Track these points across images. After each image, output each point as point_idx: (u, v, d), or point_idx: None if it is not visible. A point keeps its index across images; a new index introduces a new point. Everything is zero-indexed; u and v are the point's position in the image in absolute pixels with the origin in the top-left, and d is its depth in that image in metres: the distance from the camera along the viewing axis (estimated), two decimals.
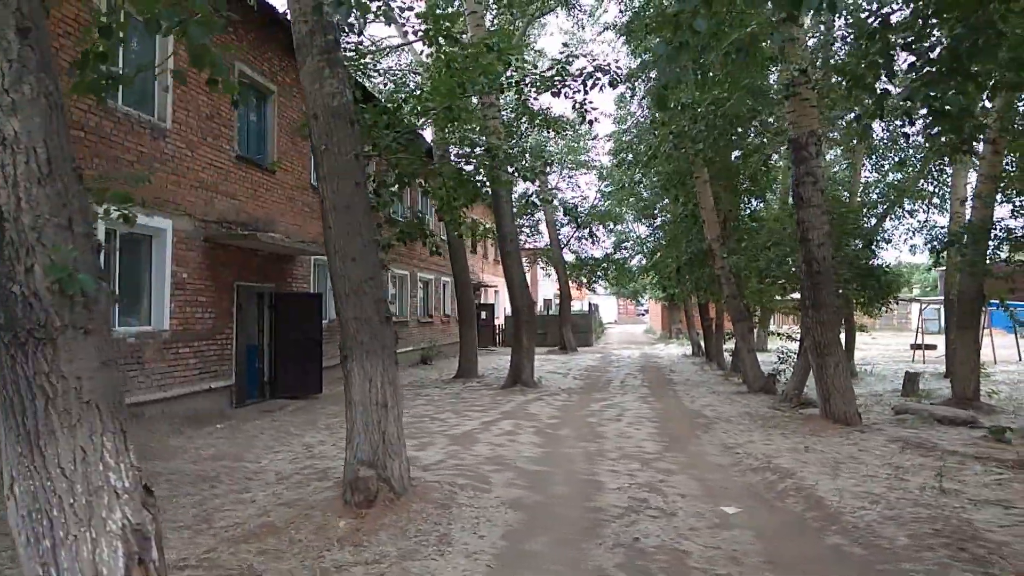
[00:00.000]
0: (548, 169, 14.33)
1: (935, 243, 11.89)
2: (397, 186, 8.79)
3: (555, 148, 29.87)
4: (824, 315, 9.71)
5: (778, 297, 15.98)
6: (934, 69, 3.63)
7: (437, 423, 10.77)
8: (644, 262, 26.25)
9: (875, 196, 18.83)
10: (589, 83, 8.15)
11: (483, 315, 31.63)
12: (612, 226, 29.60)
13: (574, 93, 9.08)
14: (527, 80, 8.79)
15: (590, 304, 40.07)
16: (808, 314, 9.88)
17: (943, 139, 4.18)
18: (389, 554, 4.90)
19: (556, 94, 9.36)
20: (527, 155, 15.68)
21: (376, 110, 8.69)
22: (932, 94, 3.60)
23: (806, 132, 9.59)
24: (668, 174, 16.05)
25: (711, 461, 8.22)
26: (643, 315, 72.13)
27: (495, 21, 17.81)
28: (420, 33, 7.64)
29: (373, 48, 16.46)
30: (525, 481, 7.10)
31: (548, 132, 23.89)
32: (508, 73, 11.60)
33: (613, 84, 6.78)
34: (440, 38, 7.49)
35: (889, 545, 4.96)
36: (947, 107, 3.60)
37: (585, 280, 30.22)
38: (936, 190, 18.87)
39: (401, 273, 21.35)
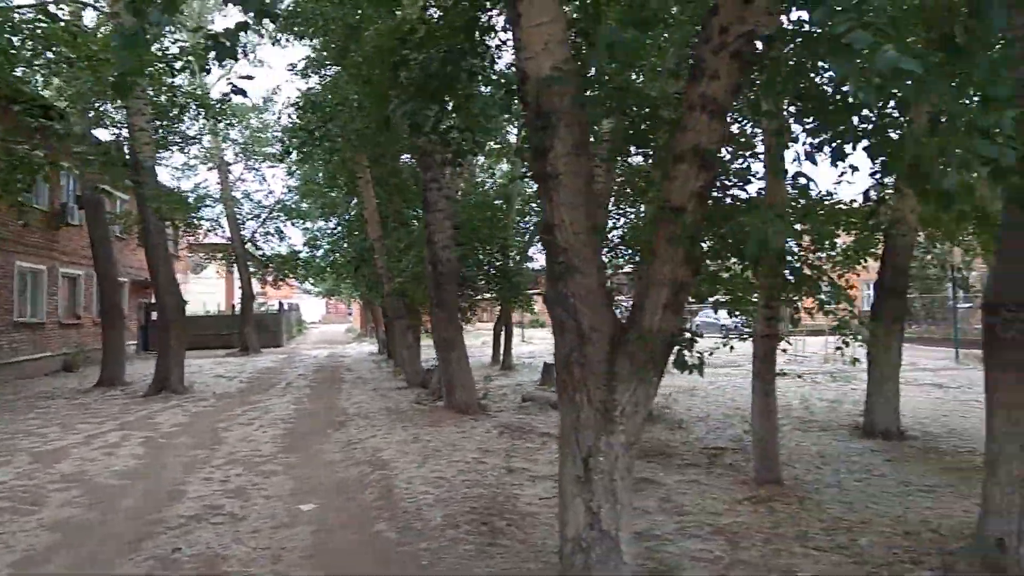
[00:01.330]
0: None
1: None
2: None
3: (240, 137, 28.25)
4: (447, 312, 10.32)
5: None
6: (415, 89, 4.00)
7: (32, 439, 9.44)
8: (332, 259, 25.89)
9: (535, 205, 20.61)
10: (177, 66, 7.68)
11: (155, 315, 28.89)
12: (301, 222, 28.75)
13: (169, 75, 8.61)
14: (99, 56, 8.03)
15: (281, 303, 38.64)
16: (434, 312, 10.43)
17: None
18: None
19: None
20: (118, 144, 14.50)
21: None
22: (411, 111, 3.92)
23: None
24: (329, 172, 15.97)
25: (324, 459, 8.25)
26: (352, 314, 71.59)
27: None
28: None
29: None
30: (91, 498, 6.46)
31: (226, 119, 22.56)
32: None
33: (206, 70, 6.45)
34: None
35: (422, 527, 5.32)
36: (419, 124, 3.97)
37: (271, 278, 29.01)
38: None
39: (35, 268, 18.56)
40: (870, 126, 2.80)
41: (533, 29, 3.53)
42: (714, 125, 3.35)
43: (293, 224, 28.85)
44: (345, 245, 21.77)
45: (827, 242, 7.76)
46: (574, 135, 3.59)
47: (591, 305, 3.72)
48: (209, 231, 28.80)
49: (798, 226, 7.65)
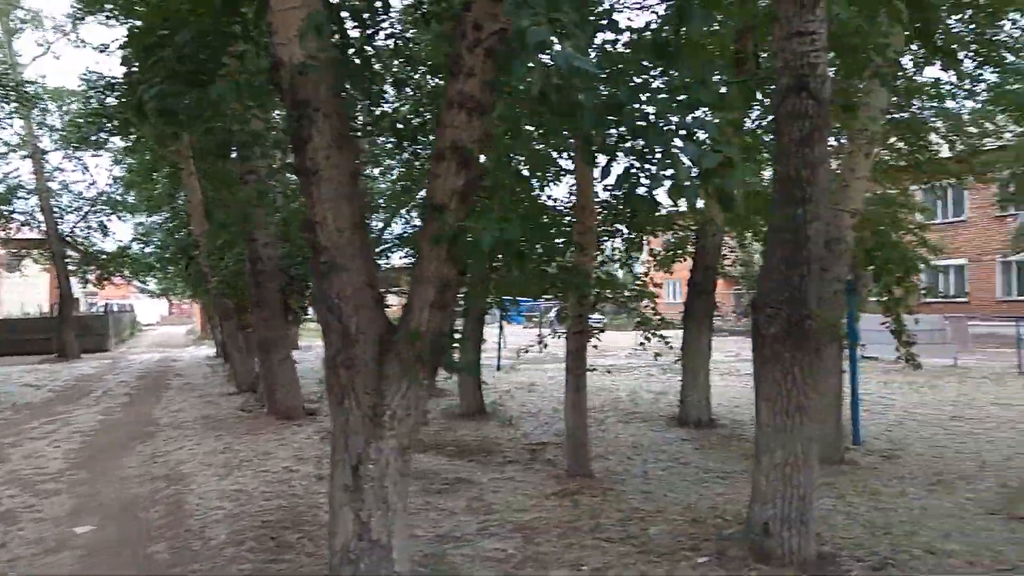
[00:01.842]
0: None
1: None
2: None
3: (58, 122, 25.68)
4: (268, 313, 9.82)
5: None
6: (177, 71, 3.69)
7: None
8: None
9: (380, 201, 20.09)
10: None
11: None
12: (129, 216, 26.54)
13: None
14: None
15: (108, 304, 35.62)
16: (254, 312, 9.91)
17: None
18: None
19: None
20: None
21: None
22: (163, 95, 3.60)
23: (248, 132, 9.54)
24: (145, 163, 14.85)
25: (118, 475, 7.57)
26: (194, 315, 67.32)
27: None
28: None
29: None
30: None
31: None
32: None
33: None
34: None
35: (202, 546, 4.97)
36: (170, 109, 3.66)
37: (93, 276, 26.60)
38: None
39: None
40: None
41: (284, 13, 3.32)
42: (473, 123, 3.29)
43: (120, 218, 26.63)
44: (177, 240, 20.35)
45: (637, 243, 8.09)
46: (334, 127, 3.42)
47: (357, 305, 3.57)
48: (23, 225, 26.05)
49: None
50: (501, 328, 18.30)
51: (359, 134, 4.51)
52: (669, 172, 2.44)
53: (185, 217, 17.57)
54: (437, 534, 5.32)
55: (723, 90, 5.89)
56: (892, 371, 14.61)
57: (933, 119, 11.57)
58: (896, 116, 9.52)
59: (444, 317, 3.56)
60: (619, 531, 5.33)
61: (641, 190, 2.62)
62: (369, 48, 3.90)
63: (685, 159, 2.40)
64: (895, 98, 7.45)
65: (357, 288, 3.55)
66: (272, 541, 4.99)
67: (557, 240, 5.80)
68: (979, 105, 11.58)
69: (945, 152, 12.96)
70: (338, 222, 3.48)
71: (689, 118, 2.40)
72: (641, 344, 8.11)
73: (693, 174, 2.39)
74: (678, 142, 2.48)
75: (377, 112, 4.29)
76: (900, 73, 7.64)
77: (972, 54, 8.95)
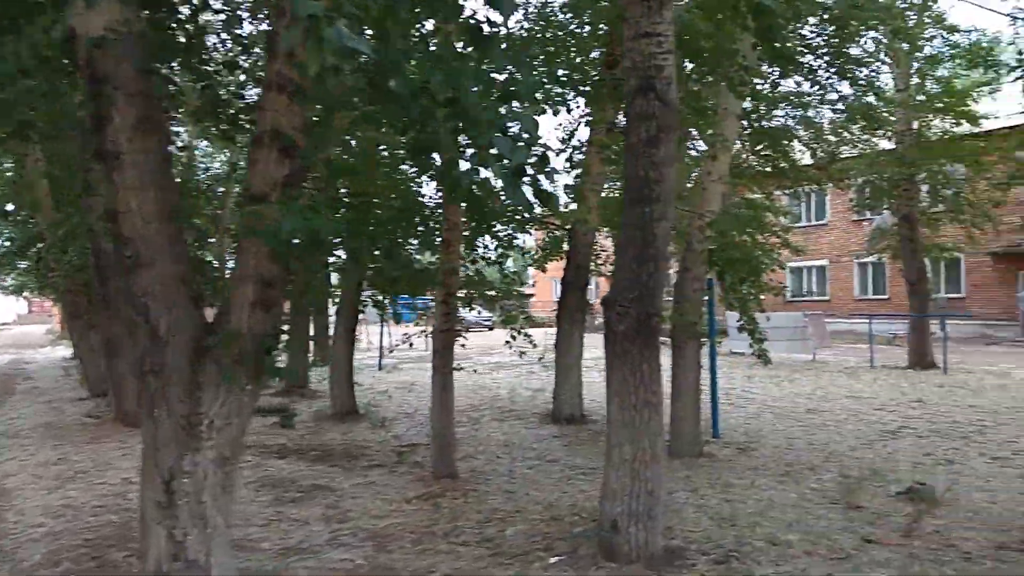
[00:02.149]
0: None
1: None
2: None
3: None
4: (115, 310, 9.11)
5: None
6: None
7: None
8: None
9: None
10: None
11: None
12: None
13: None
14: None
15: None
16: (100, 310, 9.18)
17: None
18: None
19: None
20: None
21: None
22: None
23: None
24: None
25: None
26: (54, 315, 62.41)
27: None
28: None
29: None
30: None
31: None
32: None
33: None
34: None
35: (9, 569, 4.48)
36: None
37: None
38: None
39: None
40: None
41: None
42: (294, 107, 3.06)
43: None
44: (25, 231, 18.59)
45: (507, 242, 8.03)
46: (139, 107, 3.10)
47: (168, 304, 3.26)
48: None
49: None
50: (383, 327, 17.91)
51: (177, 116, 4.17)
52: (483, 167, 2.31)
53: (37, 207, 16.12)
54: (284, 547, 5.03)
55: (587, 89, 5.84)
56: (756, 366, 15.30)
57: (796, 127, 12.22)
58: (758, 124, 9.95)
59: (268, 317, 3.31)
60: (476, 534, 5.22)
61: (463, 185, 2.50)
62: (192, 24, 3.57)
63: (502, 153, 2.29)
64: (747, 105, 7.70)
65: (167, 284, 3.24)
66: (93, 561, 4.55)
67: (399, 235, 5.60)
68: (838, 116, 12.33)
69: (807, 159, 13.77)
70: (144, 211, 3.16)
71: (503, 110, 2.28)
72: (507, 342, 8.06)
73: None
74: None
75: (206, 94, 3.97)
76: (758, 81, 7.95)
77: (825, 65, 9.47)
